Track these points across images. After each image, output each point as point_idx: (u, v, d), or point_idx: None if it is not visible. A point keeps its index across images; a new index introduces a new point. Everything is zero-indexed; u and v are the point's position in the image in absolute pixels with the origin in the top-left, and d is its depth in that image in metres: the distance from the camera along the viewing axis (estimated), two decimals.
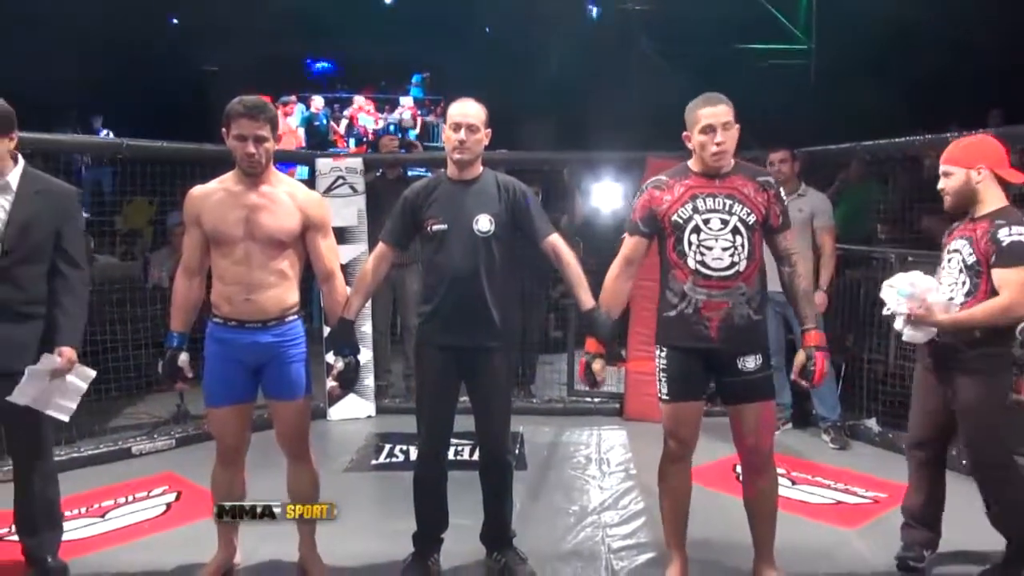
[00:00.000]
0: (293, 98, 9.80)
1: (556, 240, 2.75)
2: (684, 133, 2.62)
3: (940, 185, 2.79)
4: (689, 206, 2.56)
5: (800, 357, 2.63)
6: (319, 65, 9.99)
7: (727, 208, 2.54)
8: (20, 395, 2.55)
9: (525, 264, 4.89)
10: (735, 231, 2.53)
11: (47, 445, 2.77)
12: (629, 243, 2.70)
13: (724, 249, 2.52)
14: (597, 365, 2.69)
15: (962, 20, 6.82)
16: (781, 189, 2.64)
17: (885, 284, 2.76)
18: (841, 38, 7.90)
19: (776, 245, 2.64)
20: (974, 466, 2.83)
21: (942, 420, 2.80)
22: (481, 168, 2.76)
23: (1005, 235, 2.58)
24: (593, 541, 3.17)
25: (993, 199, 2.68)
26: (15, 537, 2.82)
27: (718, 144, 2.52)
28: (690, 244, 2.54)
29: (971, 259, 2.67)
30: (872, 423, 4.46)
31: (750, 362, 2.57)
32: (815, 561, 2.97)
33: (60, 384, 2.62)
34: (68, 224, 2.71)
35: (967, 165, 2.71)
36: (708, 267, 2.53)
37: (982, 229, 2.66)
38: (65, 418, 2.69)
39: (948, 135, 3.94)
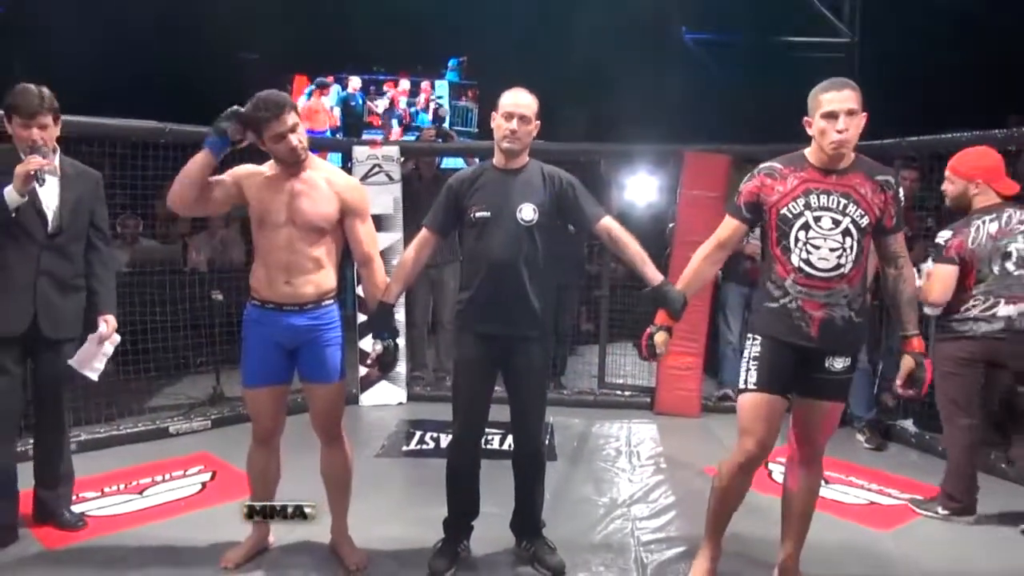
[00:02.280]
0: (330, 79, 9.80)
1: (610, 222, 2.70)
2: (805, 118, 2.47)
3: (944, 187, 3.38)
4: (801, 201, 2.43)
5: (909, 363, 2.50)
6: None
7: (841, 208, 2.41)
8: (77, 361, 2.94)
9: (560, 254, 4.91)
10: (846, 232, 2.40)
11: (66, 408, 3.10)
12: (727, 226, 2.58)
13: (832, 250, 2.41)
14: (660, 338, 2.60)
15: (1019, 9, 6.60)
16: (900, 189, 2.50)
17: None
18: (886, 30, 7.72)
19: (886, 247, 2.52)
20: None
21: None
22: (527, 158, 2.75)
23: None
24: (623, 533, 3.17)
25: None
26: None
27: (839, 132, 2.36)
28: (796, 240, 2.43)
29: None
30: (909, 424, 4.39)
31: (839, 363, 2.47)
32: (845, 561, 2.93)
33: (99, 348, 2.99)
34: (99, 203, 3.08)
35: (967, 178, 3.31)
36: (812, 266, 2.42)
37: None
38: (95, 377, 3.02)
39: (996, 132, 3.87)
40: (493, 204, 2.67)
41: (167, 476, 3.68)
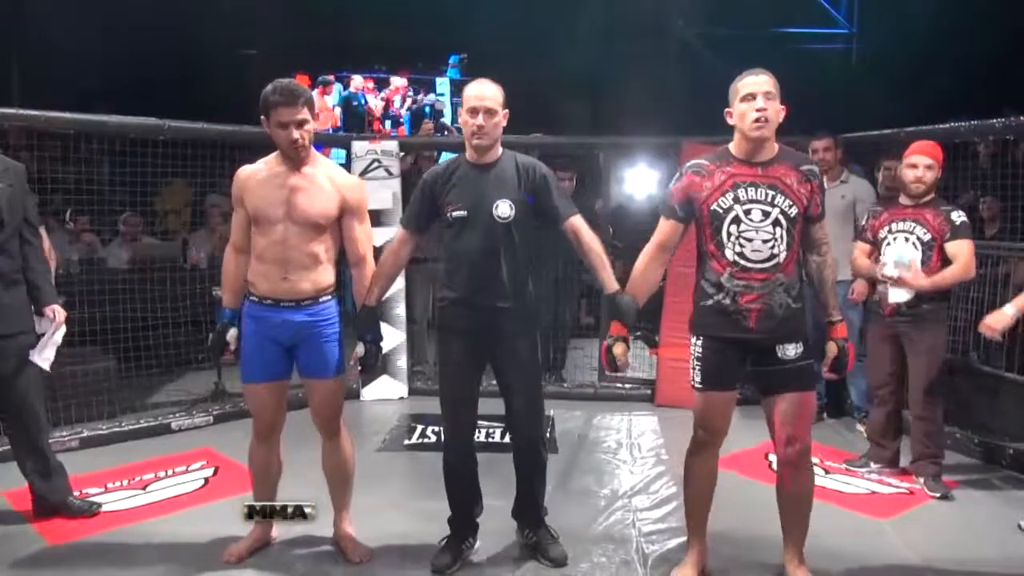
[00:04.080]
0: (331, 78, 9.76)
1: (577, 221, 2.67)
2: (726, 110, 2.52)
3: (920, 174, 3.41)
4: (730, 195, 2.47)
5: (832, 349, 2.59)
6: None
7: (769, 199, 2.45)
8: (36, 354, 3.00)
9: (557, 248, 4.91)
10: (776, 223, 2.44)
11: (33, 398, 3.07)
12: (664, 227, 2.61)
13: (764, 241, 2.44)
14: (619, 349, 2.62)
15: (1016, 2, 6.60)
16: (825, 178, 2.56)
17: (889, 252, 3.46)
18: (884, 21, 7.71)
19: (811, 234, 2.56)
20: (924, 403, 3.47)
21: (899, 371, 3.57)
22: (500, 150, 2.71)
23: (957, 217, 3.38)
24: (624, 524, 3.18)
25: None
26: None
27: (758, 111, 2.41)
28: (729, 235, 2.46)
29: (927, 236, 3.41)
30: (908, 415, 4.38)
31: (791, 350, 2.49)
32: (848, 550, 2.94)
33: (50, 338, 3.04)
34: (28, 197, 3.09)
35: (940, 164, 3.46)
36: (747, 259, 2.45)
37: (931, 214, 3.42)
38: (47, 367, 3.06)
39: (995, 122, 3.87)
40: (469, 202, 2.63)
41: (170, 472, 3.69)
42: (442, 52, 9.91)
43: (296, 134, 2.58)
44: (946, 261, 3.39)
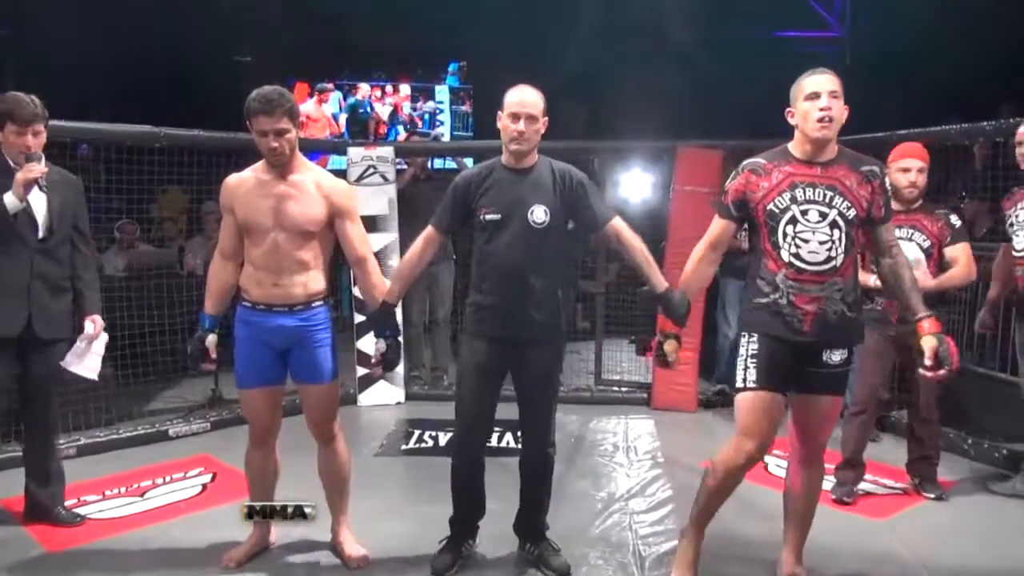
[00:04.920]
0: (330, 86, 9.72)
1: (618, 223, 2.66)
2: (787, 109, 2.47)
3: (914, 179, 3.34)
4: (787, 195, 2.41)
5: (932, 343, 2.37)
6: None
7: (827, 200, 2.40)
8: (69, 363, 3.08)
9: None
10: (834, 225, 2.39)
11: (54, 407, 3.19)
12: (717, 226, 2.57)
13: (821, 243, 2.39)
14: (670, 346, 2.59)
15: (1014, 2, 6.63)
16: (887, 179, 2.49)
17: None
18: (877, 24, 7.75)
19: (878, 237, 2.50)
20: (928, 412, 3.46)
21: (888, 382, 3.58)
22: (537, 156, 2.70)
23: (955, 220, 3.36)
24: (621, 527, 3.19)
25: None
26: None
27: (823, 109, 2.35)
28: (785, 235, 2.41)
29: (926, 243, 3.34)
30: (903, 415, 4.41)
31: (836, 356, 2.45)
32: (845, 550, 2.96)
33: (89, 348, 3.12)
34: (81, 207, 3.18)
35: (927, 165, 3.38)
36: (803, 260, 2.39)
37: (928, 219, 3.37)
38: (95, 376, 3.18)
39: (985, 124, 3.91)
40: (503, 206, 2.62)
41: (168, 478, 3.70)
42: (441, 59, 9.92)
43: (275, 143, 2.58)
44: (940, 267, 3.36)
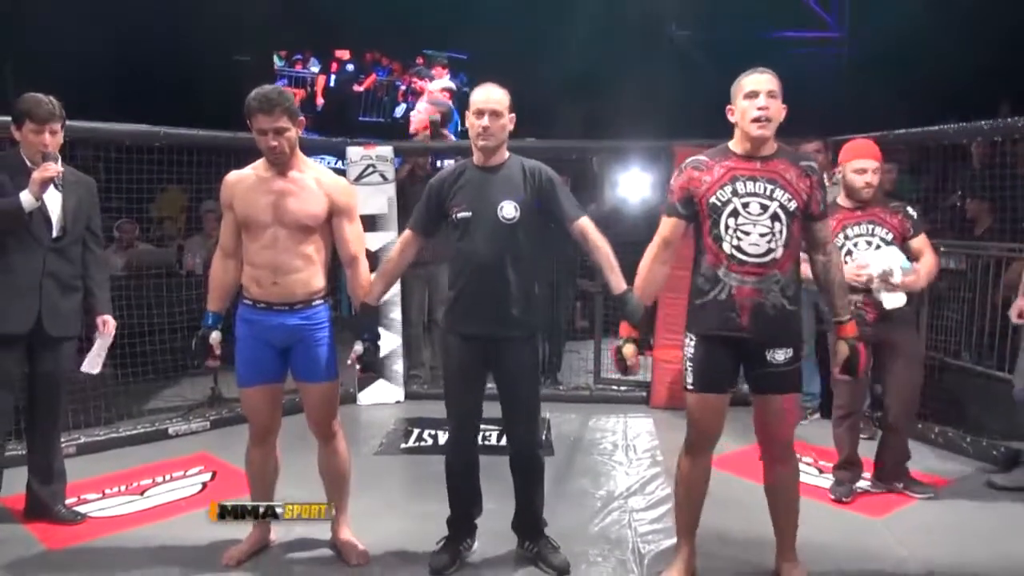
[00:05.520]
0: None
1: (585, 223, 2.68)
2: (727, 107, 2.53)
3: (870, 179, 3.27)
4: (728, 188, 2.47)
5: (843, 349, 2.57)
6: None
7: (768, 193, 2.45)
8: (88, 364, 3.19)
9: (553, 251, 4.95)
10: (774, 217, 2.44)
11: (62, 405, 3.23)
12: (667, 225, 2.62)
13: (762, 235, 2.44)
14: (628, 350, 2.62)
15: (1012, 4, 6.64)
16: (825, 176, 2.56)
17: (874, 257, 3.22)
18: (875, 25, 7.77)
19: (814, 233, 2.56)
20: (907, 412, 3.40)
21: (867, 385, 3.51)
22: (507, 154, 2.73)
23: (912, 211, 3.33)
24: (620, 525, 3.20)
25: None
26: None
27: (760, 109, 2.42)
28: (727, 228, 2.46)
29: (888, 236, 3.28)
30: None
31: (779, 355, 2.50)
32: (841, 549, 2.97)
33: (98, 345, 3.20)
34: (95, 209, 3.23)
35: (882, 164, 3.34)
36: (744, 252, 2.45)
37: (886, 213, 3.31)
38: (97, 371, 3.26)
39: (983, 123, 3.92)
40: (474, 203, 2.65)
41: (168, 477, 3.70)
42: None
43: (274, 141, 2.60)
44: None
